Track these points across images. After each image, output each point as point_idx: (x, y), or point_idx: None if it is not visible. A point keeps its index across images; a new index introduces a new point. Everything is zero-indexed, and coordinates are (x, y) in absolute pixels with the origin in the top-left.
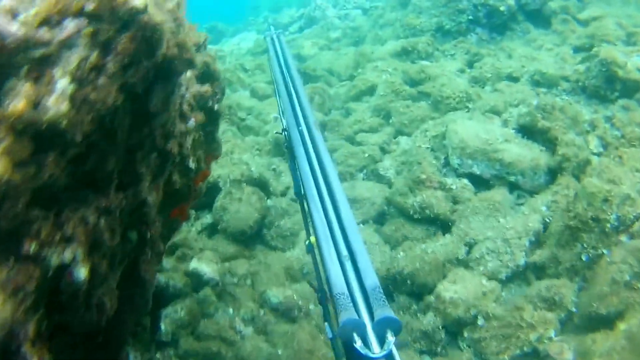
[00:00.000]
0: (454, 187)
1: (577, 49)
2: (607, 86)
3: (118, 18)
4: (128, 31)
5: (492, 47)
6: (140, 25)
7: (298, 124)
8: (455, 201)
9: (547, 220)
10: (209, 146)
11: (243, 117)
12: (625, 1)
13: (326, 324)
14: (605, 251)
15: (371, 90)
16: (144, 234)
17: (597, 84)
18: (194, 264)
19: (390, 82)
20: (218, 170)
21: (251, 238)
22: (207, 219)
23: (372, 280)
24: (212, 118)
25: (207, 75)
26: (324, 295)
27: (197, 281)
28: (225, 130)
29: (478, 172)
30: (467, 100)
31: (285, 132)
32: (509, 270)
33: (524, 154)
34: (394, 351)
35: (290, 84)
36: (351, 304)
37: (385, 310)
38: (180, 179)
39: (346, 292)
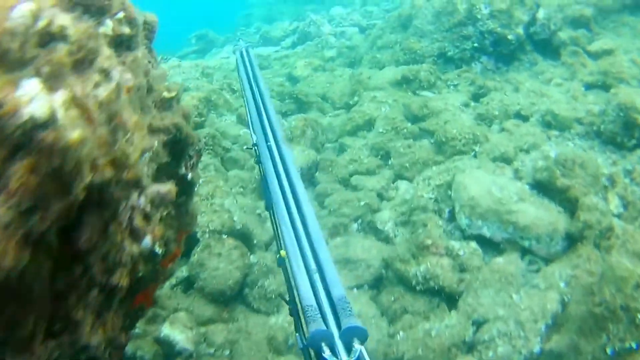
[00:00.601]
0: (461, 252)
1: (588, 86)
2: (625, 133)
3: (8, 138)
4: (24, 158)
5: (497, 78)
6: (42, 148)
7: (267, 140)
8: (462, 269)
9: (566, 298)
10: (181, 221)
11: (228, 147)
12: (635, 32)
13: (297, 335)
14: (634, 345)
15: (369, 125)
16: None
17: (614, 130)
18: (165, 330)
19: (391, 117)
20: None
21: (231, 297)
22: (182, 272)
23: (338, 291)
24: (184, 188)
25: (178, 142)
26: (295, 307)
27: (168, 351)
28: (207, 165)
29: (488, 235)
30: (474, 142)
31: (256, 148)
32: (521, 357)
33: (541, 216)
34: (365, 356)
35: (260, 99)
36: (319, 315)
37: (351, 320)
38: (144, 266)
39: (314, 304)
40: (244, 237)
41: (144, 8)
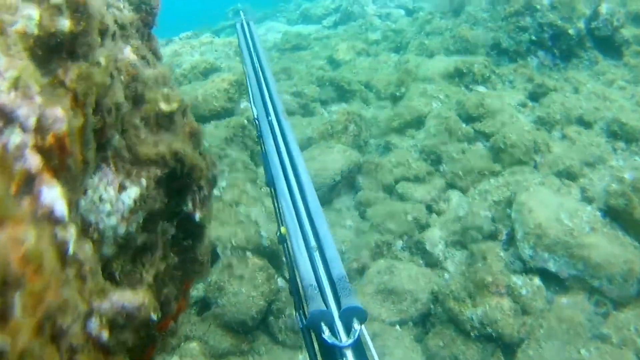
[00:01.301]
0: (524, 291)
1: None
2: None
3: None
4: None
5: (555, 75)
6: None
7: (267, 114)
8: (524, 311)
9: None
10: (187, 269)
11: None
12: None
13: (296, 314)
14: None
15: (418, 122)
16: None
17: None
18: None
19: (443, 116)
20: (218, 229)
21: (253, 326)
22: (198, 290)
23: (338, 270)
24: (191, 230)
25: (180, 177)
26: (295, 286)
27: None
28: (233, 162)
29: (553, 270)
30: (535, 151)
31: (257, 122)
32: None
33: (615, 253)
34: (367, 338)
35: (260, 73)
36: (319, 295)
37: (350, 300)
38: (132, 335)
39: (314, 283)
40: (272, 256)
41: None
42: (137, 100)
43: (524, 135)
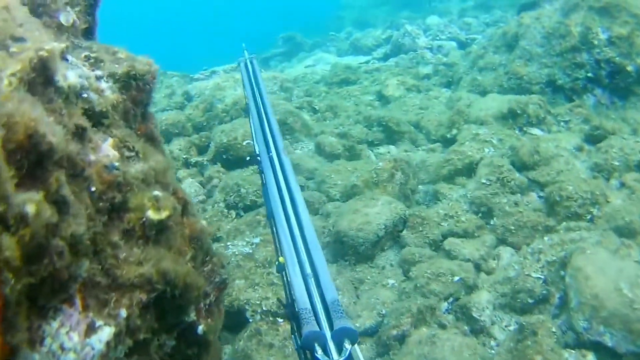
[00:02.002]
0: None
1: None
2: None
3: None
4: None
5: (613, 115)
6: None
7: (269, 150)
8: None
9: None
10: None
11: (301, 185)
12: None
13: (293, 336)
14: None
15: (469, 170)
16: None
17: None
18: None
19: (496, 165)
20: (248, 292)
21: None
22: (225, 354)
23: (332, 294)
24: (195, 341)
25: (171, 298)
26: (291, 311)
27: None
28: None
29: (610, 344)
30: (592, 203)
31: (258, 158)
32: None
33: None
34: (360, 357)
35: (263, 110)
36: (313, 318)
37: (342, 322)
38: None
39: (309, 306)
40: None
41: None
42: (117, 209)
43: (581, 186)
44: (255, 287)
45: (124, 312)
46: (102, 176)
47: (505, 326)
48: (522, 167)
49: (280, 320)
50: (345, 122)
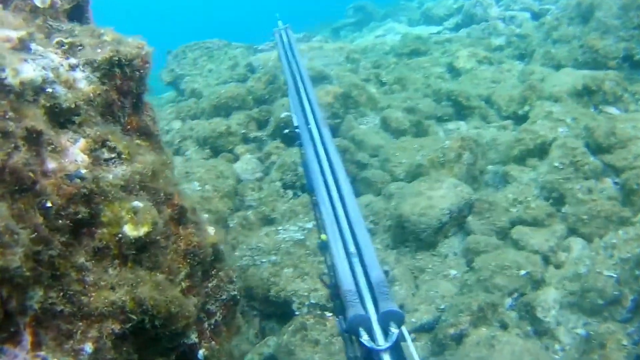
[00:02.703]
0: None
1: None
2: None
3: None
4: None
5: None
6: None
7: (307, 122)
8: None
9: None
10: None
11: (364, 163)
12: None
13: (337, 319)
14: None
15: (541, 151)
16: None
17: None
18: None
19: (570, 147)
20: (296, 282)
21: None
22: (269, 347)
23: (377, 274)
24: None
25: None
26: (335, 292)
27: None
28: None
29: None
30: None
31: (297, 130)
32: None
33: None
34: (408, 340)
35: (300, 81)
36: (358, 300)
37: (388, 304)
38: None
39: (353, 288)
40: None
41: None
42: (85, 224)
43: None
44: (305, 277)
45: (89, 347)
46: (62, 188)
47: (572, 328)
48: (597, 149)
49: (328, 314)
50: (414, 96)
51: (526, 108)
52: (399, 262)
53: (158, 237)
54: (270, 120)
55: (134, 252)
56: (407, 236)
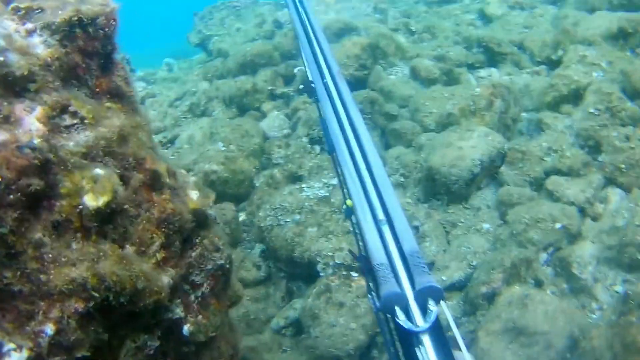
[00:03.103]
0: None
1: None
2: None
3: None
4: None
5: None
6: None
7: (322, 76)
8: None
9: None
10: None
11: (393, 114)
12: None
13: (369, 296)
14: None
15: (575, 96)
16: None
17: None
18: None
19: (605, 92)
20: (321, 241)
21: None
22: (295, 310)
23: (410, 245)
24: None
25: (119, 304)
26: (365, 265)
27: None
28: None
29: None
30: None
31: (312, 85)
32: None
33: None
34: (449, 318)
35: (311, 31)
36: (391, 275)
37: (424, 278)
38: None
39: (386, 261)
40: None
41: None
42: (43, 197)
43: None
44: (329, 235)
45: (49, 329)
46: (12, 161)
47: (610, 285)
48: (634, 94)
49: (354, 274)
50: (444, 44)
51: (559, 53)
52: (429, 217)
53: (127, 206)
54: (297, 75)
55: (97, 224)
56: (438, 189)
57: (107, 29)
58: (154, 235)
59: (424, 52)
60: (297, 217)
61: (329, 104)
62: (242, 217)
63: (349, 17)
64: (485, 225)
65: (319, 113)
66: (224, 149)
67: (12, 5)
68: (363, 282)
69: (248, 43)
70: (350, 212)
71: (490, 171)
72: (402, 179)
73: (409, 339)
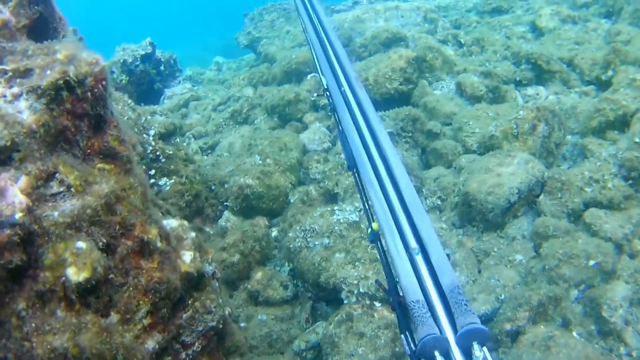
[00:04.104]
0: None
1: None
2: None
3: None
4: None
5: None
6: None
7: (339, 85)
8: None
9: None
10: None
11: (435, 132)
12: None
13: (402, 337)
14: None
15: (622, 122)
16: None
17: None
18: None
19: None
20: (347, 268)
21: None
22: (317, 334)
23: (449, 278)
24: None
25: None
26: (397, 300)
27: None
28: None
29: None
30: None
31: (327, 93)
32: None
33: None
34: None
35: (325, 38)
36: (429, 315)
37: (468, 319)
38: None
39: (422, 298)
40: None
41: None
42: (27, 268)
43: None
44: (356, 263)
45: None
46: None
47: None
48: None
49: (378, 304)
50: (492, 58)
51: (610, 73)
52: (461, 245)
53: (112, 276)
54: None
55: (79, 295)
56: (474, 215)
57: (96, 90)
58: (141, 302)
59: (471, 67)
60: (326, 241)
61: (347, 115)
62: (274, 232)
63: (397, 26)
64: (518, 257)
65: (337, 125)
66: (260, 162)
67: (0, 67)
68: (386, 313)
69: (296, 48)
70: (376, 237)
71: (528, 200)
72: (439, 202)
73: None
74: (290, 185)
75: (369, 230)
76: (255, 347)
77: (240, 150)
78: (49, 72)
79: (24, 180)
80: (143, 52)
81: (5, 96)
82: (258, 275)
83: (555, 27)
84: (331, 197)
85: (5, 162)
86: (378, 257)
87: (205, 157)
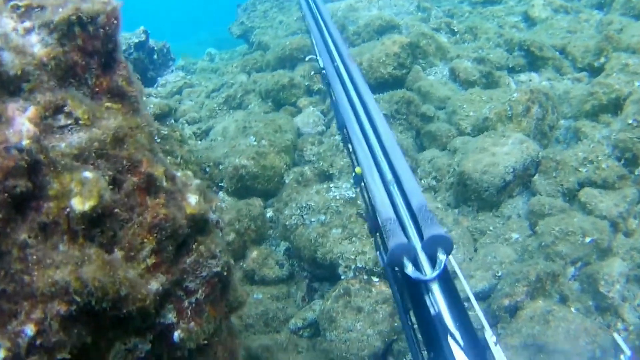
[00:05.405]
0: None
1: None
2: None
3: None
4: None
5: None
6: None
7: (333, 60)
8: None
9: None
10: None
11: (429, 116)
12: None
13: (377, 253)
14: None
15: (615, 106)
16: None
17: None
18: None
19: None
20: (344, 244)
21: None
22: (314, 312)
23: (418, 200)
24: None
25: (102, 309)
26: (374, 224)
27: None
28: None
29: None
30: None
31: (324, 72)
32: None
33: None
34: (455, 268)
35: (320, 19)
36: (399, 228)
37: (433, 229)
38: None
39: (393, 217)
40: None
41: None
42: (31, 198)
43: None
44: (353, 238)
45: (30, 330)
46: None
47: (638, 305)
48: None
49: (375, 279)
50: (485, 45)
51: (602, 60)
52: (457, 224)
53: (117, 210)
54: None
55: (84, 227)
56: (469, 195)
57: (108, 28)
58: (145, 240)
59: (464, 53)
60: (323, 217)
61: (338, 83)
62: (269, 213)
63: (391, 14)
64: (514, 235)
65: (331, 97)
66: (255, 143)
67: (12, 2)
68: (384, 287)
69: (290, 37)
70: (359, 179)
71: (523, 179)
72: (434, 183)
73: (419, 289)
74: (285, 167)
75: (353, 174)
76: (251, 325)
77: (234, 134)
78: (61, 9)
79: (32, 110)
80: (137, 40)
81: (16, 30)
82: (253, 254)
83: (547, 16)
84: (326, 178)
85: (15, 93)
86: (361, 195)
87: (200, 142)
